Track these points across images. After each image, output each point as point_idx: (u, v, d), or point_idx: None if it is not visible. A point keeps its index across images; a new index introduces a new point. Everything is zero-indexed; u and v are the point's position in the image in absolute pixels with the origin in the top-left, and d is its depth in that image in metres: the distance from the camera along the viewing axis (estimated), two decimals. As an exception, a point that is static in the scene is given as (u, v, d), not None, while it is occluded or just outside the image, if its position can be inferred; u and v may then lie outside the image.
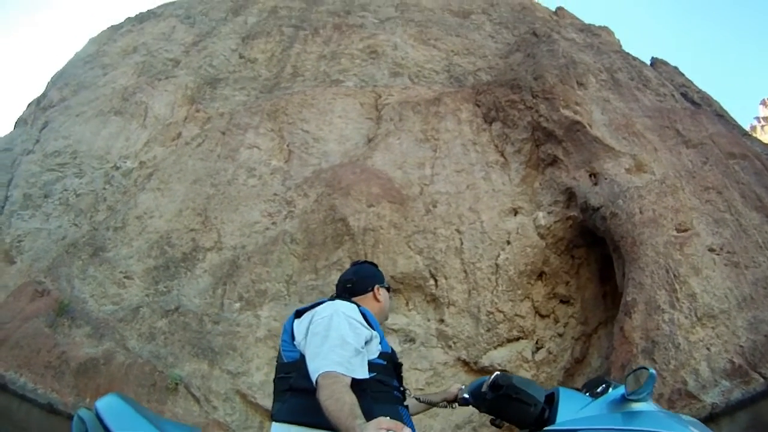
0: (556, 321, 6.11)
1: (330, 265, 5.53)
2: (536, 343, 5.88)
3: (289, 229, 5.75)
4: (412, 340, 5.38)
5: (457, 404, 2.36)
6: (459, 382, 5.41)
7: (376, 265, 2.37)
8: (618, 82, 7.05)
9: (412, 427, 1.80)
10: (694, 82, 8.51)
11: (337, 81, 6.83)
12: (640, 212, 5.72)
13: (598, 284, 6.38)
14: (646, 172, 6.12)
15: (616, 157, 6.07)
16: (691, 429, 1.82)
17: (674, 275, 5.50)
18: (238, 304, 5.58)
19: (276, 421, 1.79)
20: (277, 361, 1.97)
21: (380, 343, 1.90)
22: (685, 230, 5.84)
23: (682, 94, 7.71)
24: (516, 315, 5.67)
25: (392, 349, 1.99)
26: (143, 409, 1.84)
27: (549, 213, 6.00)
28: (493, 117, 6.48)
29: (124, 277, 6.07)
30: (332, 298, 2.05)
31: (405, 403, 1.98)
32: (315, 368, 1.63)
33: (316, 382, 1.59)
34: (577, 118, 6.11)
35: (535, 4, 8.67)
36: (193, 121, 6.80)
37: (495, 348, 5.49)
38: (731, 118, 8.09)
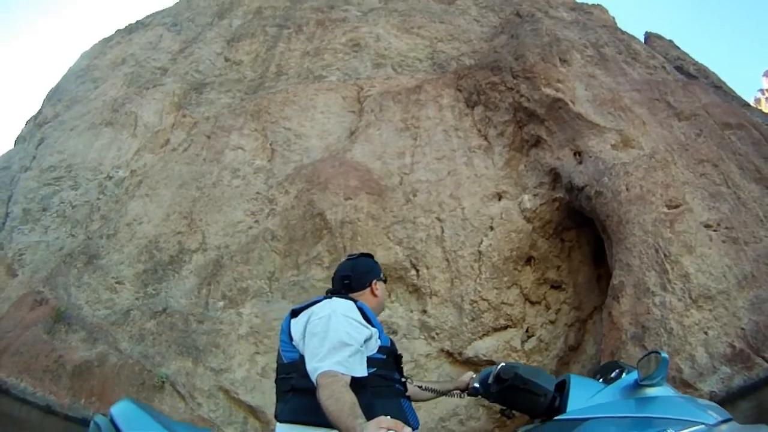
0: (548, 307, 5.92)
1: (310, 260, 5.51)
2: (526, 331, 5.71)
3: (271, 226, 5.76)
4: (395, 332, 5.30)
5: (465, 394, 2.33)
6: (443, 374, 5.35)
7: (372, 257, 2.36)
8: (605, 56, 6.80)
9: (414, 417, 1.86)
10: (691, 55, 8.17)
11: (320, 77, 6.82)
12: (627, 189, 5.48)
13: (591, 267, 6.16)
14: (634, 147, 5.88)
15: (601, 133, 5.85)
16: (709, 413, 1.75)
17: (664, 255, 5.25)
18: (221, 303, 5.63)
19: (280, 421, 1.80)
20: (277, 362, 1.97)
21: (379, 338, 1.89)
22: (677, 206, 5.56)
23: (677, 67, 7.39)
24: (502, 303, 5.53)
25: (391, 341, 1.98)
26: (157, 413, 1.89)
27: (534, 196, 5.83)
28: (475, 101, 6.35)
29: (116, 283, 6.19)
30: (328, 294, 2.04)
31: (407, 394, 1.97)
32: (314, 368, 1.64)
33: (316, 381, 1.60)
34: (559, 95, 5.91)
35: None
36: (180, 126, 6.89)
37: (480, 338, 5.35)
38: (730, 89, 7.73)
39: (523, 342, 5.65)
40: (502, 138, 6.09)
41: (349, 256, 2.38)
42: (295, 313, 1.95)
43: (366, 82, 6.65)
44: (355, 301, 1.95)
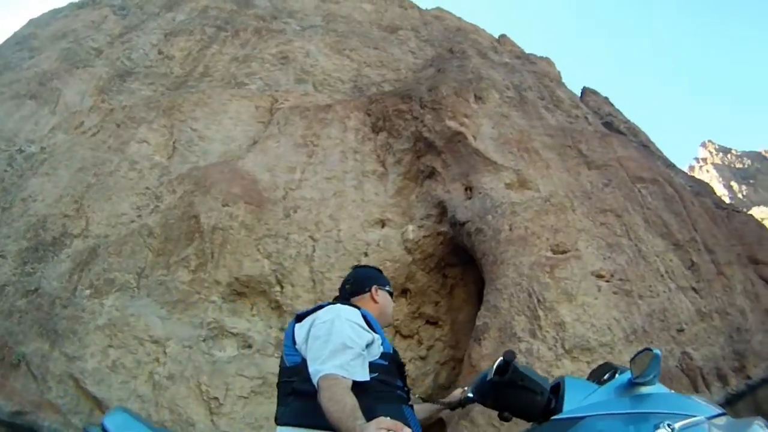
0: (420, 343, 5.88)
1: (179, 261, 5.50)
2: (391, 364, 5.66)
3: (151, 222, 5.77)
4: (250, 346, 5.27)
5: (461, 407, 2.39)
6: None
7: (378, 270, 2.46)
8: (525, 99, 6.86)
9: (416, 424, 1.90)
10: (625, 114, 8.23)
11: (241, 83, 6.87)
12: (510, 229, 5.43)
13: (475, 307, 6.11)
14: (530, 188, 5.87)
15: (497, 171, 5.84)
16: (704, 406, 1.78)
17: (538, 300, 5.17)
18: (88, 291, 5.61)
19: (280, 424, 1.83)
20: (279, 366, 2.01)
21: (382, 344, 1.92)
22: (563, 252, 5.51)
23: (606, 122, 7.45)
24: (366, 331, 5.48)
25: (394, 349, 2.02)
26: (150, 424, 1.91)
27: (419, 227, 5.82)
28: (381, 126, 6.40)
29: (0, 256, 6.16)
30: (334, 301, 2.10)
31: (410, 403, 1.99)
32: (316, 371, 1.67)
33: (317, 384, 1.63)
34: (461, 129, 5.93)
35: (479, 30, 8.54)
36: (97, 111, 6.91)
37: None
38: (657, 149, 7.78)
39: (384, 374, 5.59)
40: (398, 166, 6.11)
41: (355, 266, 2.51)
42: (299, 318, 2.00)
43: (282, 95, 6.69)
44: (358, 308, 1.99)
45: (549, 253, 5.45)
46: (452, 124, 5.98)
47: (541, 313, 5.05)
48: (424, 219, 5.85)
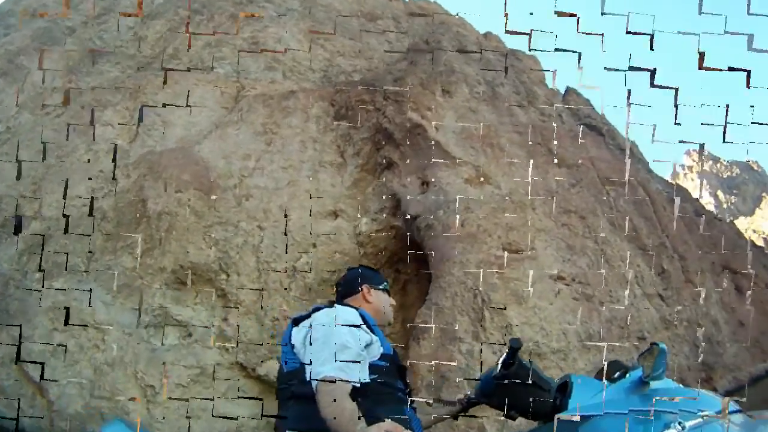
0: (368, 339, 5.76)
1: (126, 246, 5.47)
2: (336, 359, 5.56)
3: (105, 206, 5.74)
4: (190, 335, 5.21)
5: (463, 414, 2.35)
6: (233, 388, 5.23)
7: (372, 269, 2.50)
8: (497, 95, 6.71)
9: (418, 426, 1.89)
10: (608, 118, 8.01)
11: (209, 68, 6.78)
12: (462, 225, 5.32)
13: (429, 305, 5.98)
14: (490, 184, 5.75)
15: (456, 165, 5.71)
16: (716, 402, 1.76)
17: (483, 300, 5.05)
18: (37, 274, 5.59)
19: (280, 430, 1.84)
20: (278, 371, 2.04)
21: (381, 346, 1.92)
22: (517, 251, 5.37)
23: (586, 124, 7.25)
24: (311, 325, 5.38)
25: (394, 350, 2.02)
26: None
27: (373, 220, 5.73)
28: (343, 116, 6.29)
29: (-47, 239, 6.15)
30: (330, 304, 2.10)
31: (413, 406, 1.99)
32: (314, 374, 1.67)
33: (316, 388, 1.62)
34: (422, 121, 5.82)
35: (465, 25, 8.34)
36: (63, 92, 6.87)
37: (278, 358, 5.23)
38: (639, 152, 7.59)
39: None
40: (357, 157, 6.02)
41: (348, 268, 2.53)
42: (296, 322, 2.00)
43: (249, 82, 6.62)
44: (357, 309, 1.99)
45: (500, 252, 5.31)
46: (413, 115, 5.85)
47: (486, 314, 4.95)
48: (378, 212, 5.75)
